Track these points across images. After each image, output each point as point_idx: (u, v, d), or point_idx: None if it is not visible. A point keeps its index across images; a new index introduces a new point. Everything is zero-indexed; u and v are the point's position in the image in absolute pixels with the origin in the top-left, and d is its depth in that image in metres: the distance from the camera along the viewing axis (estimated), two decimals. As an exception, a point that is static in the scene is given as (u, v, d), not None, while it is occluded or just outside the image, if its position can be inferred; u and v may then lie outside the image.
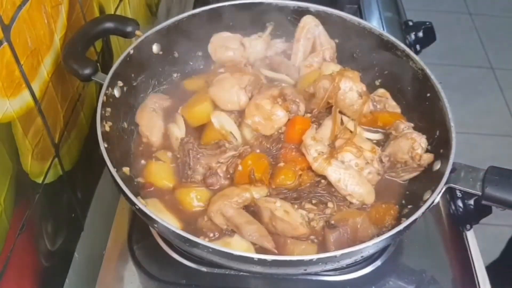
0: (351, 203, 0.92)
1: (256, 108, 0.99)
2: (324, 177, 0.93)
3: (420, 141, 0.95)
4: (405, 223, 0.81)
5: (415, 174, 0.97)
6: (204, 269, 0.96)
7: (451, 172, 0.86)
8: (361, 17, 1.47)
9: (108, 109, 0.94)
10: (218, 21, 1.12)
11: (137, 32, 1.03)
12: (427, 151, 0.96)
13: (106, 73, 0.95)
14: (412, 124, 1.01)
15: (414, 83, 1.04)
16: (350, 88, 1.05)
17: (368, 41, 1.11)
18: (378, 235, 0.84)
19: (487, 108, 2.84)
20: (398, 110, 1.08)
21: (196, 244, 0.78)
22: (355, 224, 0.88)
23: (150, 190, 0.94)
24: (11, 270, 0.82)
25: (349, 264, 0.94)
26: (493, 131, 2.75)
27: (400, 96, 1.08)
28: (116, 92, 0.97)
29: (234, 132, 0.99)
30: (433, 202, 0.84)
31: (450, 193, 1.11)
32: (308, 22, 1.13)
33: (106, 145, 0.87)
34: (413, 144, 0.95)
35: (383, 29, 1.47)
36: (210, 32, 1.13)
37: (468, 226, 1.07)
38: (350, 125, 1.01)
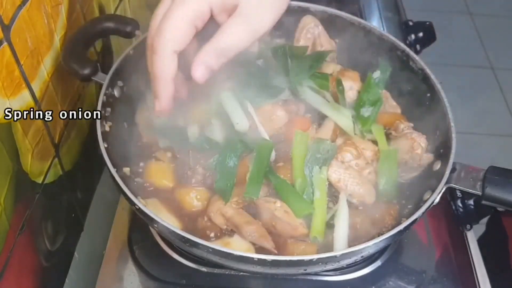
0: (351, 203, 0.92)
1: (255, 108, 0.99)
2: (324, 177, 0.93)
3: (420, 141, 0.95)
4: (405, 223, 0.81)
5: (415, 174, 0.97)
6: (204, 269, 0.96)
7: (451, 172, 0.86)
8: (361, 17, 1.46)
9: (108, 109, 0.94)
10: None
11: (137, 32, 1.03)
12: (427, 151, 0.96)
13: (106, 73, 0.95)
14: (412, 124, 1.02)
15: (414, 83, 1.04)
16: (351, 87, 1.06)
17: (368, 41, 1.11)
18: (378, 235, 0.84)
19: (487, 108, 2.84)
20: (398, 110, 1.08)
21: (196, 244, 0.78)
22: (355, 224, 0.89)
23: (150, 190, 0.94)
24: (11, 270, 0.82)
25: (349, 264, 0.93)
26: (493, 131, 2.75)
27: (400, 96, 1.08)
28: (116, 92, 0.98)
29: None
30: (433, 202, 0.84)
31: (450, 193, 1.11)
32: (308, 22, 1.13)
33: (106, 145, 0.87)
34: (413, 144, 0.95)
35: (383, 29, 1.47)
36: (209, 32, 1.13)
37: (468, 226, 1.07)
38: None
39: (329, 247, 0.86)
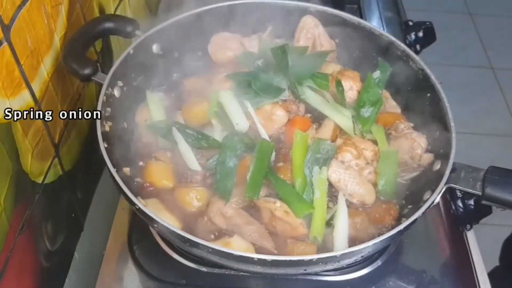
0: (351, 203, 0.92)
1: (255, 108, 0.99)
2: (324, 177, 0.93)
3: (420, 141, 0.95)
4: (405, 223, 0.81)
5: (415, 174, 0.97)
6: (204, 269, 0.96)
7: (451, 172, 0.86)
8: (361, 17, 1.47)
9: (108, 109, 0.94)
10: (218, 21, 1.12)
11: (137, 32, 1.03)
12: (427, 151, 0.96)
13: (106, 73, 0.95)
14: (412, 124, 1.02)
15: (414, 83, 1.04)
16: (351, 87, 1.06)
17: (368, 41, 1.11)
18: (378, 235, 0.83)
19: (487, 108, 2.84)
20: (398, 110, 1.08)
21: (196, 244, 0.78)
22: (355, 224, 0.89)
23: (150, 190, 0.94)
24: (11, 270, 0.82)
25: (349, 264, 0.93)
26: (493, 131, 2.75)
27: (400, 96, 1.08)
28: (116, 92, 0.98)
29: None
30: (433, 202, 0.84)
31: (450, 193, 1.11)
32: (308, 22, 1.13)
33: (106, 145, 0.87)
34: (413, 144, 0.95)
35: (383, 29, 1.47)
36: (210, 32, 1.13)
37: (468, 226, 1.07)
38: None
39: (329, 247, 0.86)
